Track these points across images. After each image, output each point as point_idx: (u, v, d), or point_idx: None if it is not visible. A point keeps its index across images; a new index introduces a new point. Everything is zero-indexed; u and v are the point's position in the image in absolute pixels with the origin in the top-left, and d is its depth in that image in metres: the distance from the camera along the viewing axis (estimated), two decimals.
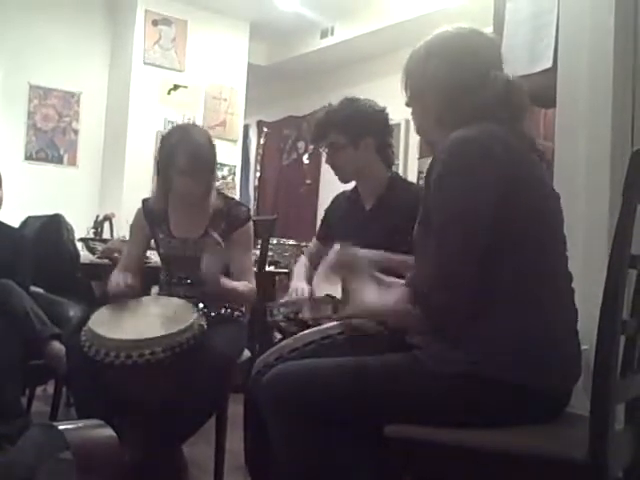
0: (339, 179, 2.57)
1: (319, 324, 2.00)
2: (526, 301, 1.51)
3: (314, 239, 2.78)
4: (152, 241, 2.75)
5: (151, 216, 2.71)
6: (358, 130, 2.44)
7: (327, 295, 2.54)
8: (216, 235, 2.44)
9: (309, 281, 2.47)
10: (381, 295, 1.66)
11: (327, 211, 2.76)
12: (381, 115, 2.51)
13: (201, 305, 2.48)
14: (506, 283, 1.52)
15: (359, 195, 2.58)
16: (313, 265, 2.68)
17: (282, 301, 2.28)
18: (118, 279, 2.46)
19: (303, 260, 2.73)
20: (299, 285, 2.45)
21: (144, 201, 2.77)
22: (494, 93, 1.62)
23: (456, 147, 1.53)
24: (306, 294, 2.33)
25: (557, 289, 1.58)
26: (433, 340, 1.55)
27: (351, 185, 2.65)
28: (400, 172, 6.32)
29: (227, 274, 2.57)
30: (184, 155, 2.51)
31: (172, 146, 2.55)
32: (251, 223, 2.69)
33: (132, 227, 2.78)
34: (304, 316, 2.11)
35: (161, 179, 2.66)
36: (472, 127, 1.55)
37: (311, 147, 7.59)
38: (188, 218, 2.66)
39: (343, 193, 2.73)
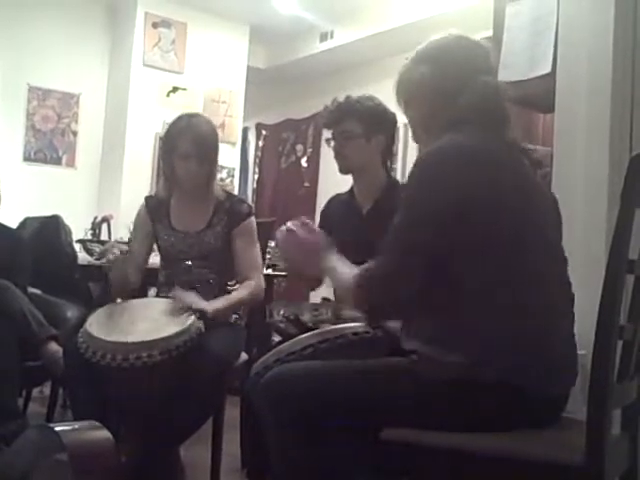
0: (340, 169, 2.55)
1: (318, 327, 2.01)
2: (519, 305, 1.52)
3: None
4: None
5: (153, 212, 2.72)
6: (374, 124, 2.46)
7: (325, 298, 2.55)
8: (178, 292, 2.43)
9: None
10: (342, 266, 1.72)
11: (323, 215, 2.74)
12: (394, 118, 2.53)
13: None
14: (499, 288, 1.52)
15: (355, 198, 2.57)
16: None
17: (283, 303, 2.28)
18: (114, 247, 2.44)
19: None
20: None
21: (147, 198, 2.79)
22: (475, 98, 1.63)
23: (427, 156, 1.58)
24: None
25: (550, 291, 1.58)
26: (430, 345, 1.56)
27: (344, 185, 2.64)
28: (399, 176, 6.32)
29: (229, 272, 2.58)
30: (187, 138, 2.56)
31: (176, 131, 2.61)
32: (253, 218, 2.69)
33: (135, 225, 2.79)
34: (304, 318, 2.11)
35: (165, 166, 2.68)
36: (448, 137, 1.57)
37: (309, 150, 7.60)
38: (190, 211, 2.67)
39: (337, 196, 2.72)
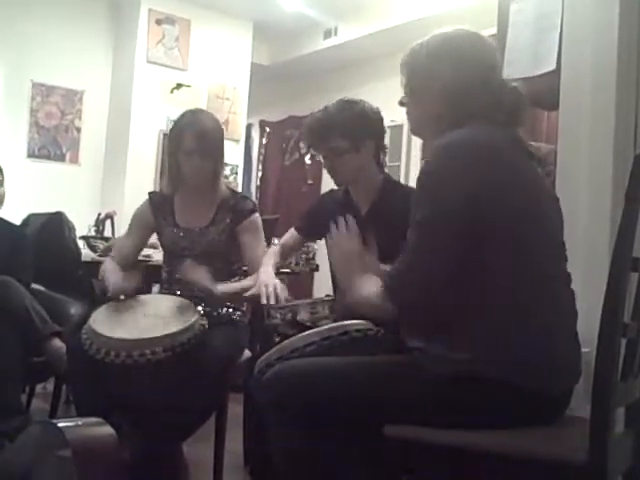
0: (336, 183, 2.53)
1: (317, 325, 2.00)
2: (521, 303, 1.52)
3: (292, 230, 2.69)
4: (155, 237, 2.76)
5: (157, 208, 2.71)
6: (360, 134, 2.40)
7: (328, 295, 2.54)
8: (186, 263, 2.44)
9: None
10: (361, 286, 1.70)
11: (313, 208, 2.70)
12: (379, 117, 2.49)
13: (202, 305, 2.48)
14: (501, 285, 1.52)
15: (352, 199, 2.55)
16: (284, 257, 2.66)
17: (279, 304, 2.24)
18: (117, 280, 2.46)
19: (275, 250, 2.65)
20: (270, 280, 2.34)
21: (151, 194, 2.78)
22: (494, 95, 1.63)
23: (440, 152, 1.57)
24: (278, 289, 2.28)
25: (553, 290, 1.58)
26: (433, 342, 1.56)
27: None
28: (402, 173, 6.32)
29: (230, 269, 2.58)
30: (190, 135, 2.55)
31: (180, 128, 2.60)
32: (257, 215, 2.68)
33: (134, 218, 2.77)
34: (302, 318, 2.10)
35: (170, 162, 2.67)
36: (461, 131, 1.56)
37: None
38: (194, 208, 2.67)
39: (330, 194, 2.69)
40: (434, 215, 1.54)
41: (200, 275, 2.41)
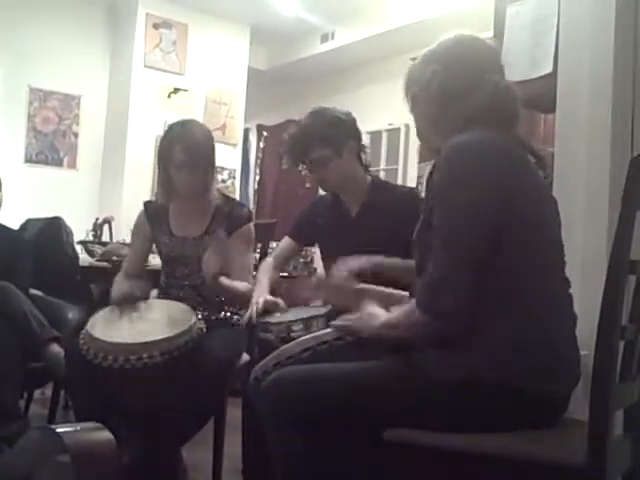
0: (325, 190, 2.55)
1: None
2: (522, 306, 1.52)
3: (287, 239, 2.69)
4: (153, 244, 2.76)
5: (152, 217, 2.71)
6: (339, 138, 2.43)
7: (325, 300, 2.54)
8: (221, 233, 2.46)
9: (272, 289, 2.48)
10: (388, 311, 1.68)
11: (305, 214, 2.71)
12: (351, 118, 2.51)
13: (200, 309, 2.48)
14: (502, 289, 1.52)
15: (341, 202, 2.57)
16: (279, 268, 2.66)
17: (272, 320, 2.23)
18: (123, 287, 2.48)
19: (269, 264, 2.66)
20: (260, 299, 2.37)
21: (146, 203, 2.78)
22: (483, 98, 1.63)
23: (454, 155, 1.55)
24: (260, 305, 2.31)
25: (553, 293, 1.58)
26: (432, 346, 1.55)
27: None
28: (399, 176, 6.32)
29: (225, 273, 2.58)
30: (180, 149, 2.53)
31: (170, 141, 2.58)
32: (252, 224, 2.69)
33: (134, 230, 2.80)
34: (296, 335, 2.09)
35: (161, 174, 2.67)
36: (468, 133, 1.56)
37: None
38: (189, 217, 2.67)
39: (321, 199, 2.71)
40: (455, 218, 1.52)
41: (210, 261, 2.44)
